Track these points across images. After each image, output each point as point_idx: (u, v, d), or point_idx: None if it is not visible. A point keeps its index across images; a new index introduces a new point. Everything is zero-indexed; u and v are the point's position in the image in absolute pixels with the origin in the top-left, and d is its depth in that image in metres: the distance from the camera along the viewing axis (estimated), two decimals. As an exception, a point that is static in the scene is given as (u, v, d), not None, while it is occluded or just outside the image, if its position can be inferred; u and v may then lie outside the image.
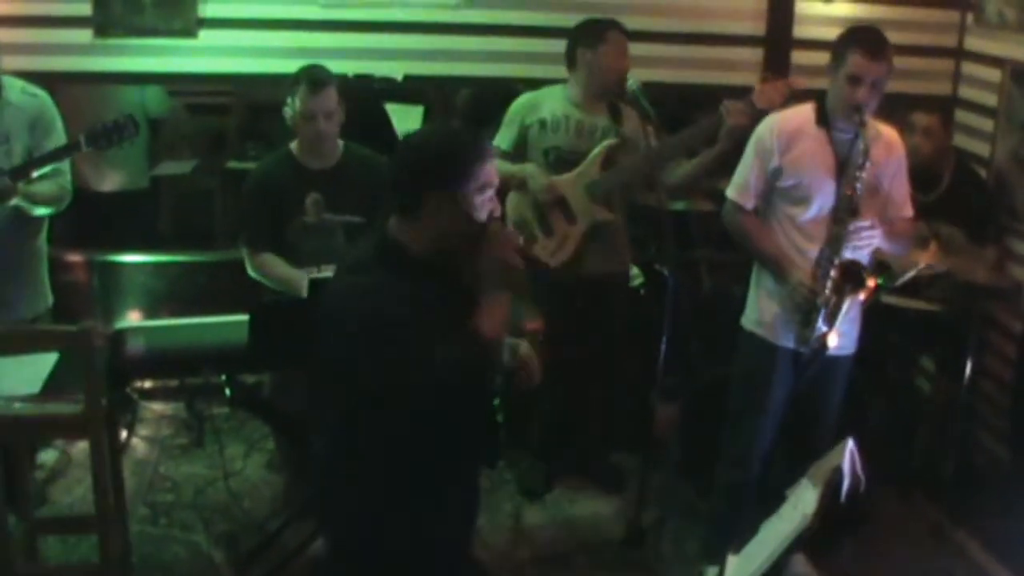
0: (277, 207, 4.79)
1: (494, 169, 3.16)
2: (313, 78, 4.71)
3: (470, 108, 6.95)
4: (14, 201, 4.47)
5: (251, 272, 4.81)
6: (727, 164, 4.73)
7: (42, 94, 4.71)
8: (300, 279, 4.55)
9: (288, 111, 4.75)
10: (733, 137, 4.81)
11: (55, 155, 4.54)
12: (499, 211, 3.21)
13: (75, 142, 4.52)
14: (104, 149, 4.57)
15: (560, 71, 5.34)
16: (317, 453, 3.34)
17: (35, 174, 4.51)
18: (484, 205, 3.11)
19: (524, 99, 5.30)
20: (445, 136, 3.26)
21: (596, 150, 5.12)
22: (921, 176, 5.27)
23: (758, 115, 4.70)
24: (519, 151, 5.25)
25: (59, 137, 4.66)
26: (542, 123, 5.20)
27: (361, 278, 3.09)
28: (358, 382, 3.03)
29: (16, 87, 4.65)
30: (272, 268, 4.74)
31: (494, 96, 6.53)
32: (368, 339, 2.97)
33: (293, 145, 4.85)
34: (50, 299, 4.90)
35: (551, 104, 5.22)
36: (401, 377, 2.96)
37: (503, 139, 5.26)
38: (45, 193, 4.62)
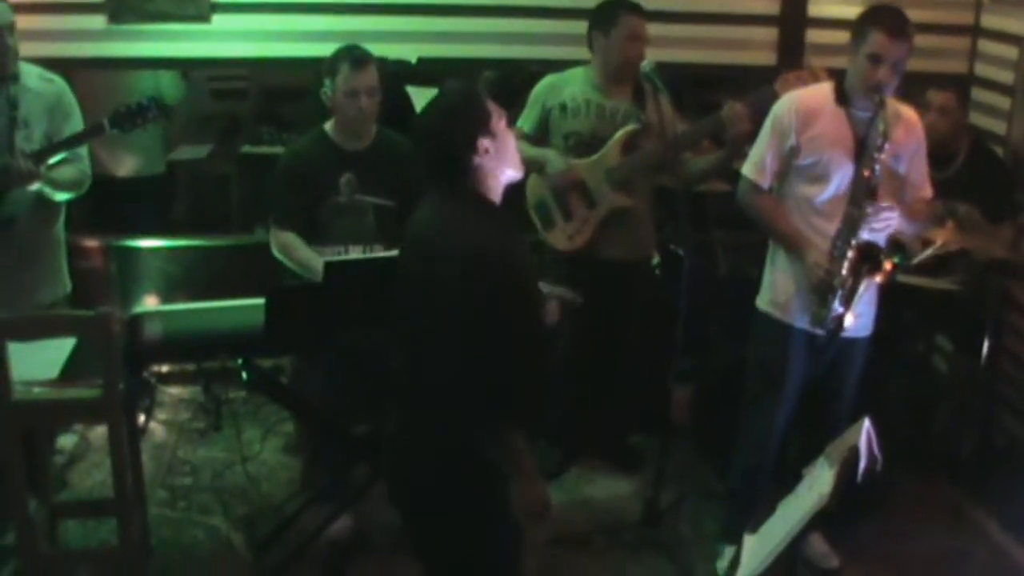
0: (311, 187, 4.78)
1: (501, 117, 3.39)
2: (356, 56, 4.70)
3: (493, 90, 6.94)
4: (37, 185, 4.49)
5: (275, 251, 4.81)
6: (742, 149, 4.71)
7: (59, 80, 4.72)
8: (319, 264, 4.57)
9: (326, 91, 4.73)
10: (737, 143, 4.79)
11: (78, 138, 4.57)
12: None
13: (99, 125, 4.54)
14: (128, 132, 4.59)
15: (576, 52, 5.33)
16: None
17: (56, 158, 4.53)
18: (508, 151, 3.38)
19: (547, 81, 5.27)
20: (464, 102, 3.42)
21: (617, 135, 5.09)
22: (937, 153, 5.24)
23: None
24: (541, 133, 5.23)
25: (77, 123, 4.67)
26: (563, 107, 5.17)
27: (472, 230, 3.25)
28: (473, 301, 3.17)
29: (34, 74, 4.66)
30: (295, 250, 4.74)
31: (517, 77, 6.54)
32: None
33: (327, 125, 4.85)
34: (68, 285, 4.91)
35: (573, 87, 5.18)
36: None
37: (526, 121, 5.25)
38: (66, 178, 4.65)
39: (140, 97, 4.60)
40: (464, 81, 3.87)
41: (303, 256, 4.71)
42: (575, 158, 5.13)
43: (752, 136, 4.57)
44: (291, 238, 4.76)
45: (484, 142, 3.28)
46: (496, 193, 3.37)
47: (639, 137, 5.10)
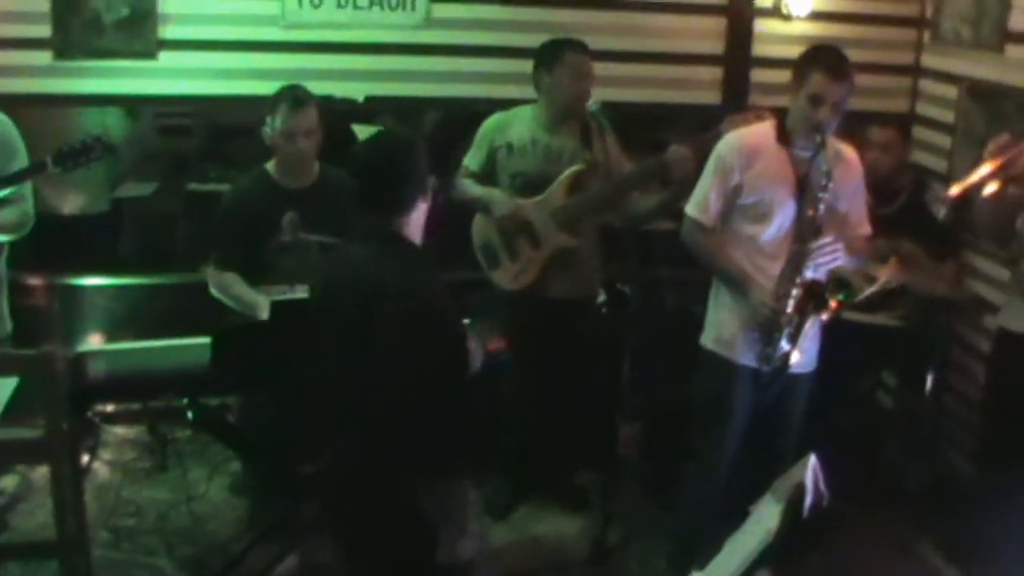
0: (253, 227, 4.77)
1: None
2: (295, 97, 4.72)
3: (437, 129, 6.96)
4: None
5: (212, 290, 4.79)
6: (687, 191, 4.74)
7: (3, 118, 4.67)
8: (259, 301, 4.56)
9: (267, 130, 4.74)
10: (682, 186, 4.81)
11: (19, 176, 4.50)
12: None
13: (41, 163, 4.48)
14: (71, 171, 4.52)
15: (521, 91, 5.36)
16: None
17: None
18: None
19: (494, 120, 5.28)
20: (404, 145, 3.59)
21: (563, 175, 5.10)
22: (880, 189, 5.31)
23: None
24: (488, 171, 5.23)
25: (22, 160, 4.61)
26: (509, 147, 5.17)
27: (409, 274, 3.36)
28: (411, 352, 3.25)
29: None
30: (233, 288, 4.73)
31: (462, 117, 6.55)
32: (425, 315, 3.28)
33: (269, 165, 4.85)
34: (9, 325, 4.84)
35: (519, 127, 5.19)
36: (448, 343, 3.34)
37: (472, 160, 5.25)
38: (6, 220, 4.58)
39: (85, 135, 4.55)
40: (404, 136, 4.06)
41: (242, 294, 4.70)
42: (521, 198, 5.13)
43: (697, 178, 4.60)
44: (230, 277, 4.75)
45: (421, 200, 3.42)
46: (418, 242, 3.47)
47: (585, 177, 5.11)
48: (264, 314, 4.44)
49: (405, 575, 3.40)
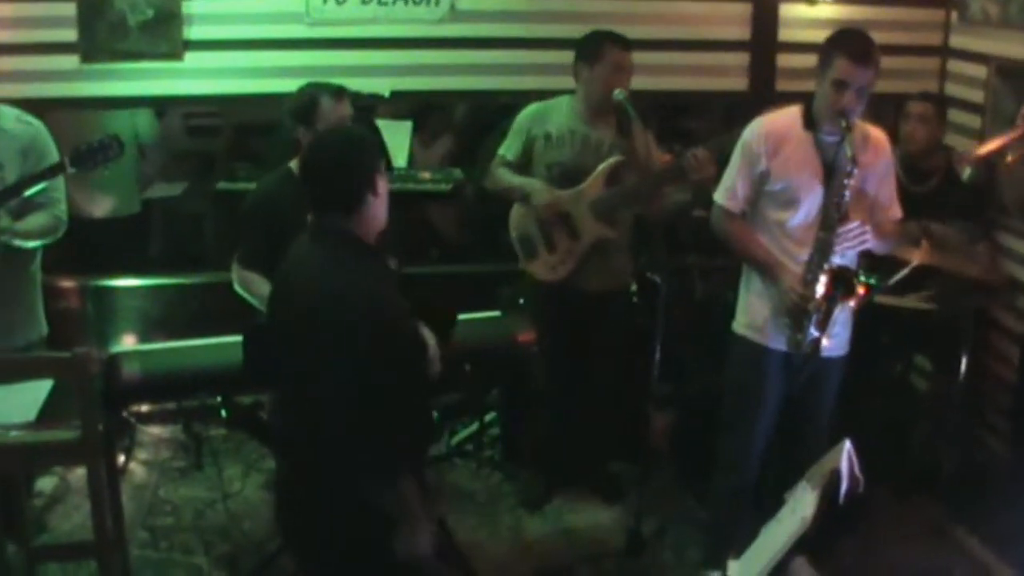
0: (279, 226, 4.77)
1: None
2: (333, 88, 4.69)
3: (465, 121, 6.97)
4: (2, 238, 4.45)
5: (236, 287, 4.80)
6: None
7: (36, 122, 4.69)
8: None
9: (301, 128, 4.70)
10: (702, 188, 4.80)
11: (38, 177, 4.51)
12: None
13: (58, 164, 4.49)
14: (89, 170, 4.53)
15: (548, 82, 5.38)
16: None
17: (32, 191, 4.50)
18: (383, 200, 3.45)
19: (532, 109, 5.28)
20: (355, 140, 3.54)
21: (601, 167, 5.10)
22: (913, 167, 5.29)
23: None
24: (524, 161, 5.24)
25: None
26: (547, 137, 5.18)
27: (345, 274, 3.31)
28: (358, 354, 3.20)
29: (10, 116, 4.63)
30: (254, 286, 4.72)
31: (490, 109, 6.57)
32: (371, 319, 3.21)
33: (293, 163, 4.84)
34: (45, 328, 4.87)
35: (558, 117, 5.19)
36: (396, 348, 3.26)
37: (509, 148, 5.26)
38: (37, 227, 4.59)
39: (102, 135, 4.56)
40: (359, 130, 3.96)
41: (261, 291, 4.70)
42: (557, 188, 5.13)
43: (717, 179, 4.59)
44: (253, 275, 4.75)
45: (381, 181, 3.36)
46: (372, 239, 3.43)
47: (622, 169, 5.10)
48: None
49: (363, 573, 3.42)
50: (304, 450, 3.39)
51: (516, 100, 5.63)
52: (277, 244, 4.76)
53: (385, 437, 3.17)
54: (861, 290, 4.19)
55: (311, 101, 4.66)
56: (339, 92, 4.69)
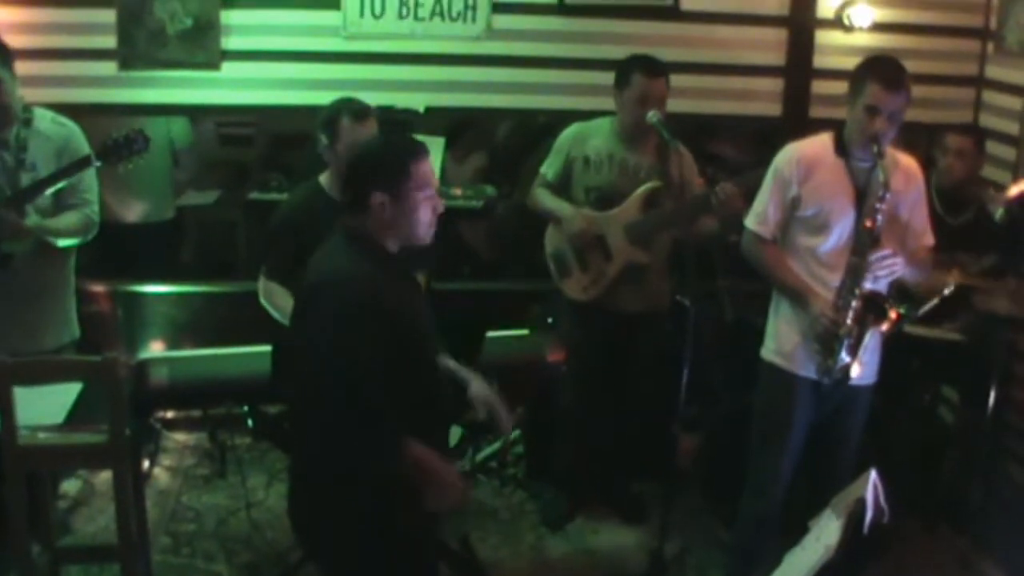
0: (307, 240, 4.79)
1: (429, 170, 3.52)
2: (357, 109, 4.68)
3: (507, 139, 6.99)
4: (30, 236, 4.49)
5: (261, 299, 4.82)
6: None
7: (71, 124, 4.73)
8: None
9: (323, 143, 4.72)
10: (731, 221, 4.80)
11: (65, 172, 4.53)
12: (442, 208, 3.56)
13: (85, 158, 4.52)
14: (115, 164, 4.55)
15: (584, 103, 5.42)
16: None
17: (46, 199, 4.53)
18: (424, 203, 3.48)
19: (573, 130, 5.28)
20: (384, 142, 3.74)
21: (638, 191, 5.11)
22: (949, 198, 5.26)
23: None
24: (564, 181, 5.24)
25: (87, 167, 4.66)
26: (586, 160, 5.18)
27: (340, 264, 3.41)
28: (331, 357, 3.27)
29: (47, 118, 4.68)
30: (276, 298, 4.75)
31: (532, 128, 6.59)
32: (339, 323, 3.27)
33: (322, 177, 4.85)
34: (77, 331, 4.89)
35: (597, 140, 5.20)
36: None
37: (550, 168, 5.27)
38: (67, 225, 4.64)
39: (128, 129, 4.58)
40: (403, 137, 3.96)
41: (282, 304, 4.71)
42: (595, 211, 5.13)
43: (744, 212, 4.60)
44: (276, 287, 4.76)
45: (379, 196, 3.38)
46: (391, 245, 3.49)
47: (660, 194, 5.11)
48: None
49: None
50: (304, 434, 3.44)
51: (551, 120, 5.64)
52: (304, 258, 4.79)
53: (369, 415, 3.22)
54: (893, 315, 4.18)
55: (333, 118, 4.68)
56: (362, 112, 4.67)
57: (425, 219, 3.49)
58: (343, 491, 3.35)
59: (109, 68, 5.74)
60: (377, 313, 3.29)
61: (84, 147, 4.69)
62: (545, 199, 5.23)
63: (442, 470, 3.39)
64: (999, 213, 4.63)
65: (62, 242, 4.66)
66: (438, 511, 3.47)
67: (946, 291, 4.85)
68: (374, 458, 3.27)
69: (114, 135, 4.54)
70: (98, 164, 4.53)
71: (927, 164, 5.09)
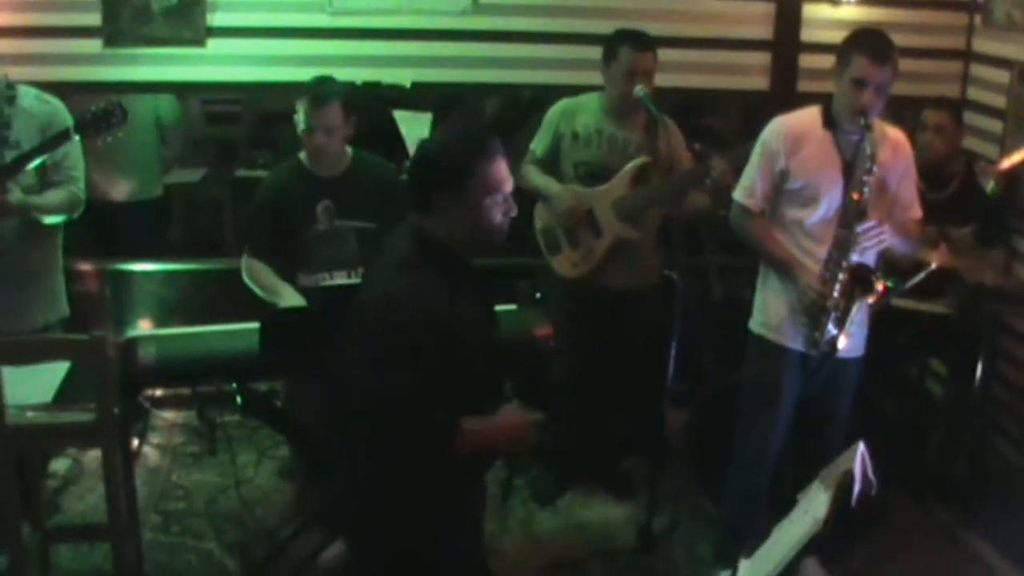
0: (289, 216, 4.81)
1: (502, 171, 3.25)
2: (316, 93, 4.72)
3: (499, 113, 6.97)
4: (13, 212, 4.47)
5: (244, 277, 4.83)
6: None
7: (56, 102, 4.71)
8: (280, 290, 4.66)
9: (297, 120, 4.77)
10: (721, 196, 4.80)
11: (45, 146, 4.50)
12: (514, 212, 3.30)
13: (63, 132, 4.48)
14: (94, 136, 4.51)
15: (572, 77, 5.40)
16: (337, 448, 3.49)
17: (31, 177, 4.51)
18: (494, 207, 3.23)
19: (561, 105, 5.26)
20: (453, 137, 3.38)
21: (627, 167, 5.09)
22: (932, 174, 5.27)
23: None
24: (553, 157, 5.23)
25: (74, 145, 4.63)
26: (575, 135, 5.17)
27: (403, 276, 3.18)
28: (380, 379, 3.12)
29: (31, 95, 4.66)
30: (259, 276, 4.76)
31: (522, 104, 6.56)
32: (391, 344, 3.09)
33: (303, 154, 4.87)
34: (66, 309, 4.89)
35: (585, 116, 5.18)
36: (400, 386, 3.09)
37: (539, 144, 5.26)
38: (52, 202, 4.62)
39: (106, 101, 4.53)
40: (476, 132, 3.54)
41: (268, 282, 4.73)
42: (583, 187, 5.12)
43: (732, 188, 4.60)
44: (259, 264, 4.78)
45: (443, 196, 3.19)
46: (458, 250, 3.28)
47: (649, 169, 5.10)
48: (284, 303, 4.54)
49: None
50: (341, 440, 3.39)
51: (539, 95, 5.61)
52: (284, 234, 4.82)
53: (428, 438, 3.14)
54: (880, 287, 4.19)
55: (300, 99, 4.72)
56: (319, 99, 4.71)
57: (493, 224, 3.25)
58: (393, 510, 3.28)
59: (94, 46, 5.70)
60: (439, 340, 3.08)
61: (68, 124, 4.66)
62: (534, 176, 5.22)
63: (499, 429, 3.30)
64: (990, 186, 4.64)
65: (48, 219, 4.65)
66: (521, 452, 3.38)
67: (933, 265, 4.86)
68: (431, 471, 3.20)
69: (93, 108, 4.50)
70: (77, 137, 4.50)
71: (914, 140, 5.09)
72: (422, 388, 3.08)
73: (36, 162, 4.48)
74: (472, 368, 3.24)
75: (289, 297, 4.59)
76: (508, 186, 3.27)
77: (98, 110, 4.49)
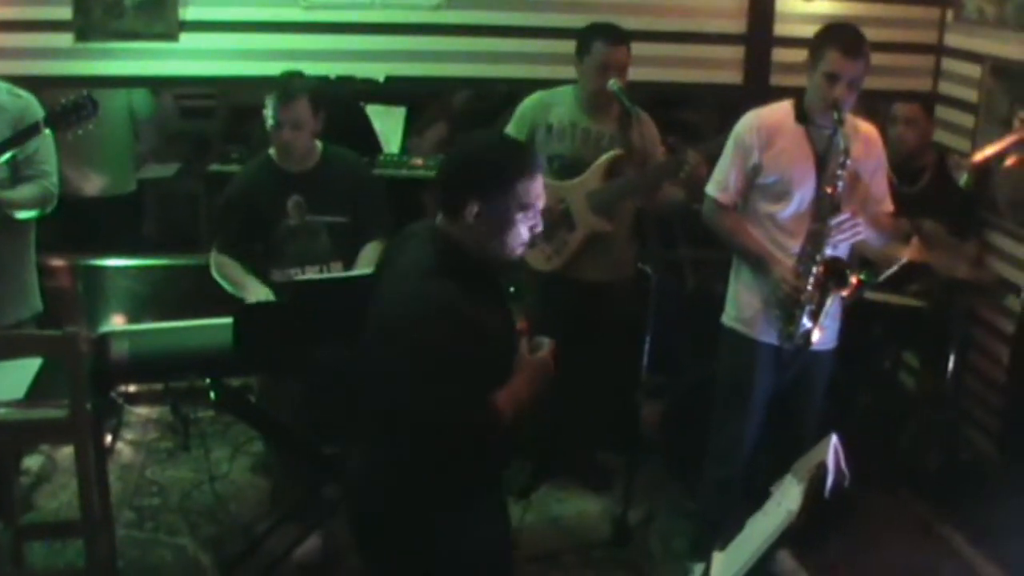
0: (259, 212, 4.80)
1: (539, 188, 3.16)
2: (283, 89, 4.74)
3: (468, 108, 6.97)
4: None
5: (213, 272, 4.83)
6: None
7: (28, 96, 4.68)
8: (247, 284, 4.67)
9: (265, 115, 4.76)
10: (695, 188, 4.80)
11: (15, 140, 4.47)
12: (539, 228, 3.23)
13: (34, 125, 4.46)
14: (64, 130, 4.48)
15: (546, 71, 5.40)
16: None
17: (2, 171, 4.49)
18: (524, 222, 3.15)
19: (535, 98, 5.26)
20: (495, 145, 3.32)
21: (601, 160, 5.09)
22: (904, 167, 5.29)
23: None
24: None
25: (46, 138, 4.61)
26: (549, 128, 5.16)
27: (431, 286, 3.08)
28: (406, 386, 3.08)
29: (3, 90, 4.63)
30: (227, 270, 4.76)
31: (493, 98, 6.55)
32: (416, 354, 3.02)
33: (272, 150, 4.86)
34: (39, 306, 4.86)
35: (559, 109, 5.17)
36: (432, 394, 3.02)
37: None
38: (24, 197, 4.59)
39: (76, 95, 4.50)
40: (517, 146, 3.56)
41: (235, 276, 4.74)
42: (557, 179, 5.12)
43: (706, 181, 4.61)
44: (227, 259, 4.79)
45: (474, 205, 3.08)
46: (483, 255, 3.18)
47: (622, 163, 5.10)
48: (251, 298, 4.54)
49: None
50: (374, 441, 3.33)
51: (513, 89, 5.61)
52: (254, 230, 4.81)
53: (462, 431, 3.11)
54: (854, 280, 4.21)
55: (268, 95, 4.72)
56: (287, 96, 4.72)
57: (518, 241, 3.16)
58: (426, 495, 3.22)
59: (65, 40, 5.67)
60: (472, 349, 3.01)
61: (40, 118, 4.64)
62: None
63: (524, 384, 3.27)
64: (964, 179, 4.65)
65: (20, 214, 4.62)
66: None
67: (904, 259, 4.88)
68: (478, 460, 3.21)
69: (63, 101, 4.48)
70: (47, 131, 4.47)
71: (885, 134, 5.10)
72: (461, 396, 3.03)
73: (6, 156, 4.45)
74: (500, 366, 3.21)
75: (255, 292, 4.60)
76: (542, 203, 3.20)
77: (68, 103, 4.45)
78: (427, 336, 2.99)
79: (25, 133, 4.47)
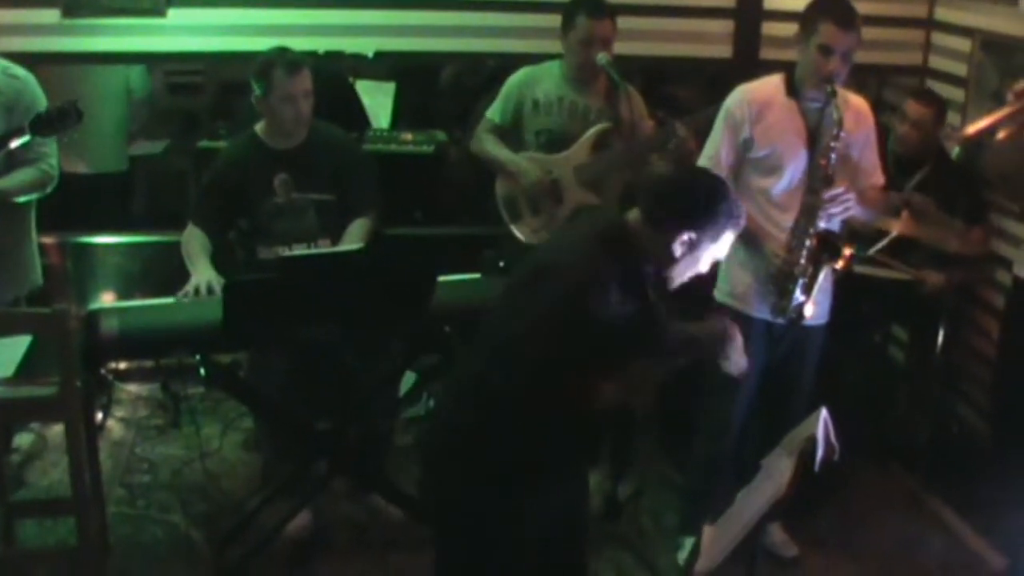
0: (244, 190, 4.78)
1: (730, 242, 3.40)
2: (289, 60, 4.67)
3: (454, 83, 6.95)
4: None
5: (182, 241, 4.79)
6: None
7: (25, 76, 4.65)
8: (198, 264, 4.60)
9: (257, 93, 4.70)
10: (683, 163, 4.79)
11: None
12: (701, 271, 3.44)
13: (19, 128, 4.40)
14: (47, 136, 4.46)
15: (535, 46, 5.37)
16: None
17: (6, 160, 4.46)
18: (694, 265, 3.38)
19: (522, 73, 5.23)
20: (724, 197, 3.38)
21: (588, 133, 5.07)
22: (904, 161, 5.27)
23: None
24: (513, 126, 5.20)
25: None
26: (535, 103, 5.14)
27: (597, 257, 3.23)
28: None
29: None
30: (189, 244, 4.72)
31: (482, 72, 6.53)
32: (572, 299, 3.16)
33: (258, 127, 4.83)
34: (39, 280, 4.90)
35: (546, 83, 5.15)
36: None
37: (496, 112, 5.21)
38: (23, 182, 4.59)
39: (63, 102, 4.44)
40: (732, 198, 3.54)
41: (191, 251, 4.68)
42: (544, 154, 5.11)
43: (697, 155, 4.60)
44: (196, 232, 4.74)
45: (687, 236, 3.27)
46: (651, 263, 3.33)
47: (610, 136, 5.09)
48: (193, 281, 4.49)
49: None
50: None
51: (501, 63, 5.58)
52: (240, 208, 4.79)
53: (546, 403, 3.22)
54: (847, 252, 4.22)
55: (266, 70, 4.66)
56: (295, 64, 4.66)
57: (680, 277, 3.40)
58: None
59: (52, 16, 5.63)
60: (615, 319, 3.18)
61: (38, 100, 4.61)
62: (493, 148, 5.18)
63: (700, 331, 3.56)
64: (955, 152, 4.64)
65: (21, 198, 4.61)
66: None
67: (894, 232, 4.88)
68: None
69: (48, 107, 4.45)
70: (28, 137, 4.42)
71: (877, 106, 5.08)
72: (585, 360, 3.22)
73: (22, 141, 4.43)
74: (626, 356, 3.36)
75: (201, 272, 4.53)
76: (722, 255, 3.43)
77: (54, 110, 4.40)
78: (595, 292, 3.14)
79: (7, 137, 4.43)
